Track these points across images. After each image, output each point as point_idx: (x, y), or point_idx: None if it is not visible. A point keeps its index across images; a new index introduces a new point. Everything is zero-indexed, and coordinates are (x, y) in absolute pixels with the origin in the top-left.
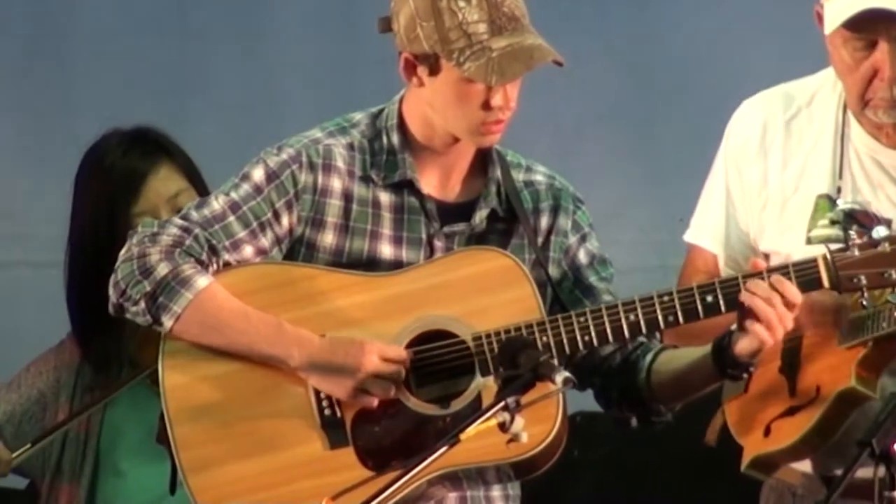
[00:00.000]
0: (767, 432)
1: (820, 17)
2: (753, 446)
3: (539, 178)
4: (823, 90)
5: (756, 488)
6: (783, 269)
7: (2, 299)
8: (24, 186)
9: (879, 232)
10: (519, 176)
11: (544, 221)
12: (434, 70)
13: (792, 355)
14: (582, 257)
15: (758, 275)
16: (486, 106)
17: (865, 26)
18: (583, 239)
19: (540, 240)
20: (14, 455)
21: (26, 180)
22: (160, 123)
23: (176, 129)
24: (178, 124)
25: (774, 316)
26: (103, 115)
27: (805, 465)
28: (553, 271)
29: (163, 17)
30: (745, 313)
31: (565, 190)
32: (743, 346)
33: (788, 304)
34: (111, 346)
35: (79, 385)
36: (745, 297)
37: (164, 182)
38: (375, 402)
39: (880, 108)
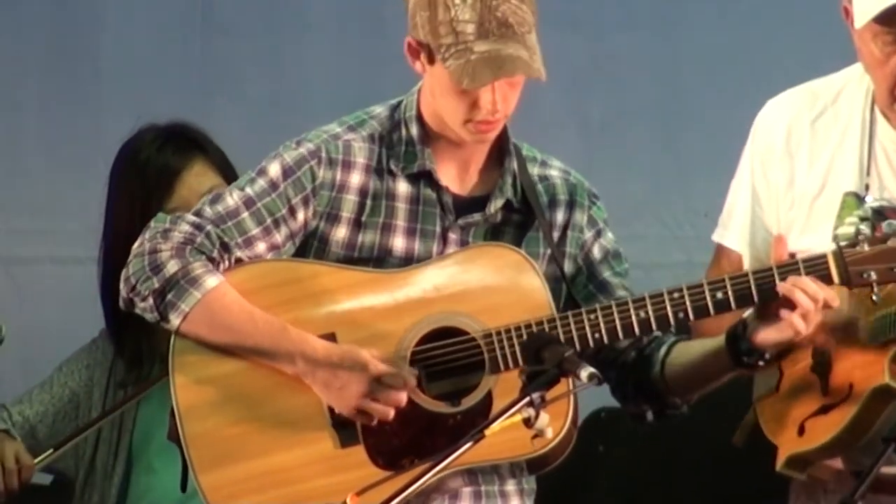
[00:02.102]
0: (801, 431)
1: (847, 12)
2: (788, 445)
3: (554, 172)
4: (849, 87)
5: (780, 484)
6: (792, 265)
7: (27, 295)
8: (49, 183)
9: (892, 225)
10: (534, 170)
11: (560, 216)
12: (430, 59)
13: (823, 353)
14: (596, 252)
15: (767, 271)
16: (475, 104)
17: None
18: (598, 234)
19: (556, 234)
20: (37, 460)
21: (52, 177)
22: (185, 120)
23: (201, 125)
24: (203, 121)
25: (813, 311)
26: (128, 111)
27: (836, 461)
28: (568, 266)
29: (187, 14)
30: (783, 303)
31: (580, 185)
32: (769, 335)
33: (814, 300)
34: (143, 342)
35: (111, 383)
36: (786, 288)
37: (198, 178)
38: (374, 422)
39: None
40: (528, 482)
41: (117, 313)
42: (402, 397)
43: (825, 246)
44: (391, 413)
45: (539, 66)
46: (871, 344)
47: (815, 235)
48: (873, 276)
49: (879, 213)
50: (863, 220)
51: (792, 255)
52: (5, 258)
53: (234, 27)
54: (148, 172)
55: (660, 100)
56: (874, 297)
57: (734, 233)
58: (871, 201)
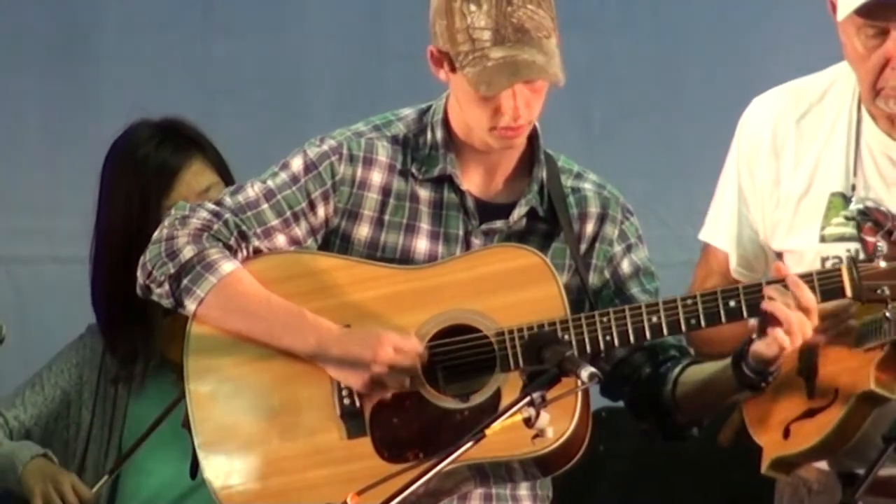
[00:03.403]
0: (787, 434)
1: (834, 7)
2: (773, 448)
3: (588, 185)
4: (835, 86)
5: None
6: (807, 277)
7: (26, 295)
8: (48, 182)
9: None
10: (568, 182)
11: (590, 228)
12: (452, 67)
13: (809, 357)
14: (625, 267)
15: (781, 281)
16: (498, 111)
17: (878, 13)
18: (628, 249)
19: (584, 247)
20: (95, 489)
21: (51, 176)
22: (180, 117)
23: (201, 124)
24: (203, 121)
25: (795, 320)
26: (127, 110)
27: (821, 462)
28: (594, 279)
29: (187, 14)
30: (766, 318)
31: (614, 199)
32: (759, 350)
33: (802, 309)
34: (137, 339)
35: (101, 380)
36: (765, 301)
37: (196, 176)
38: (390, 394)
39: (892, 97)
40: (543, 488)
41: (109, 311)
42: (415, 364)
43: (812, 245)
44: (406, 382)
45: (556, 71)
46: (857, 349)
47: (800, 236)
48: (887, 291)
49: (865, 214)
50: (849, 220)
51: (779, 256)
52: (5, 258)
53: (234, 27)
54: (146, 170)
55: (660, 100)
56: (887, 314)
57: (721, 232)
58: (857, 202)
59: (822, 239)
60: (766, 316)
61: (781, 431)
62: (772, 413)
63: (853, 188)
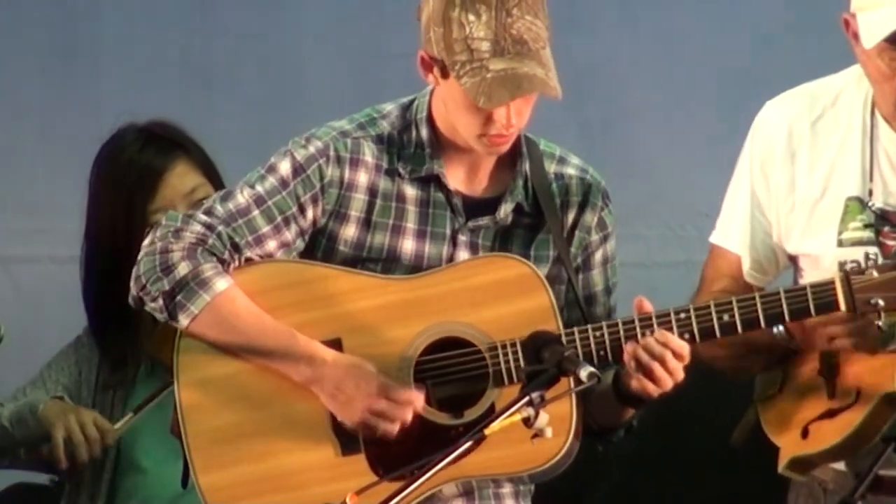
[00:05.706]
0: (805, 434)
1: (847, 24)
2: (791, 447)
3: (571, 171)
4: (847, 90)
5: (780, 484)
6: (800, 291)
7: (25, 295)
8: (47, 182)
9: None
10: (551, 167)
11: (571, 216)
12: (444, 74)
13: (830, 357)
14: (598, 257)
15: (775, 295)
16: (489, 119)
17: None
18: (604, 239)
19: (565, 233)
20: (117, 426)
21: (50, 176)
22: (184, 119)
23: (200, 124)
24: (202, 119)
25: (663, 372)
26: (126, 110)
27: (837, 462)
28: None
29: (186, 13)
30: (636, 366)
31: (596, 185)
32: (629, 383)
33: (677, 356)
34: (127, 344)
35: (100, 381)
36: (633, 351)
37: (181, 178)
38: (377, 435)
39: None
40: (524, 482)
41: (100, 314)
42: (408, 415)
43: (830, 250)
44: (395, 430)
45: (555, 84)
46: (881, 350)
47: (817, 240)
48: (881, 303)
49: (883, 218)
50: (866, 225)
51: (794, 260)
52: (5, 258)
53: (233, 27)
54: (131, 173)
55: (660, 100)
56: (879, 325)
57: (734, 236)
58: (875, 206)
59: (840, 243)
60: (633, 362)
61: (800, 431)
62: (790, 413)
63: (870, 193)
